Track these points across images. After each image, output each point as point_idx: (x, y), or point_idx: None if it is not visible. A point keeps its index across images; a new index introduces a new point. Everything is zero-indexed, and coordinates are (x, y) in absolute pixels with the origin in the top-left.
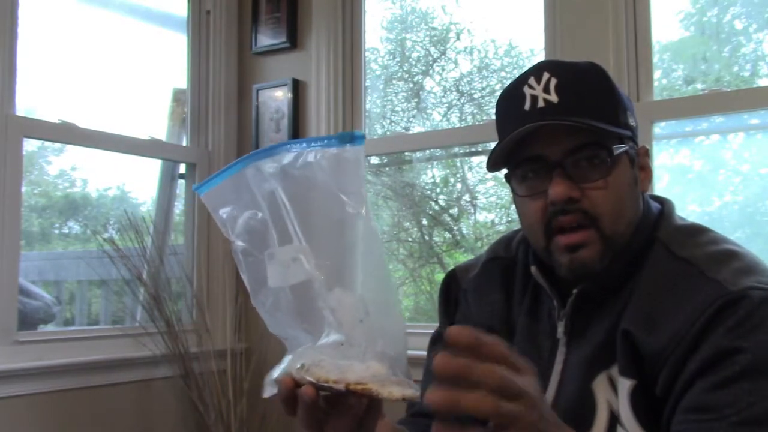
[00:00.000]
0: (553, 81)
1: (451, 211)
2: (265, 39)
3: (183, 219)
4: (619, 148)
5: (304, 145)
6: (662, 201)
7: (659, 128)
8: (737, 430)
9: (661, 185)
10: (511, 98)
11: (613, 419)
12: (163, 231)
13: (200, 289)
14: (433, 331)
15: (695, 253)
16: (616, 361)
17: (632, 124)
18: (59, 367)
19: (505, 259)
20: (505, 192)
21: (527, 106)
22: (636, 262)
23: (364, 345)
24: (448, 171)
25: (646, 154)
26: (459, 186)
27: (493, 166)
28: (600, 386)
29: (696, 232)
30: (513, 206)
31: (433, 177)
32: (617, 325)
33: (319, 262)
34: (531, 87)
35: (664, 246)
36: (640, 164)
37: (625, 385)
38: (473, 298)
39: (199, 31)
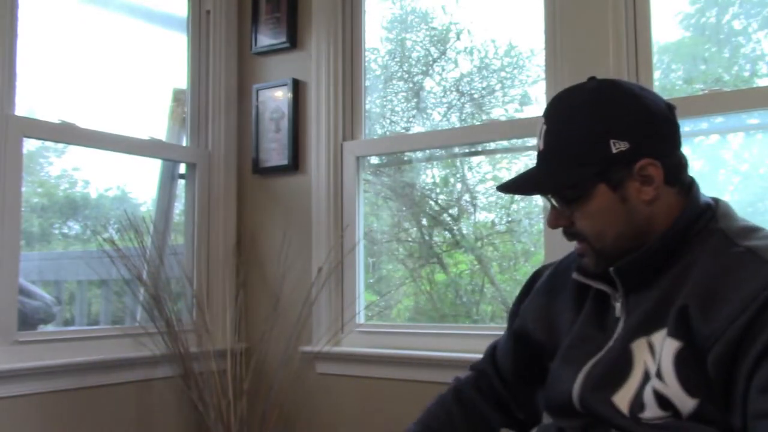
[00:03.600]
0: (544, 128)
1: (451, 211)
2: (265, 39)
3: (183, 219)
4: (586, 185)
5: None
6: (716, 198)
7: None
8: None
9: None
10: None
11: (646, 378)
12: (163, 231)
13: (200, 289)
14: (432, 331)
15: (757, 244)
16: (661, 328)
17: (618, 150)
18: (59, 367)
19: (554, 266)
20: None
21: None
22: (682, 248)
23: None
24: (447, 171)
25: (651, 165)
26: (459, 186)
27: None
28: (639, 348)
29: (756, 228)
30: (513, 206)
31: (433, 177)
32: (672, 298)
33: None
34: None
35: (726, 236)
36: (644, 175)
37: (672, 345)
38: (533, 296)
39: (199, 31)
